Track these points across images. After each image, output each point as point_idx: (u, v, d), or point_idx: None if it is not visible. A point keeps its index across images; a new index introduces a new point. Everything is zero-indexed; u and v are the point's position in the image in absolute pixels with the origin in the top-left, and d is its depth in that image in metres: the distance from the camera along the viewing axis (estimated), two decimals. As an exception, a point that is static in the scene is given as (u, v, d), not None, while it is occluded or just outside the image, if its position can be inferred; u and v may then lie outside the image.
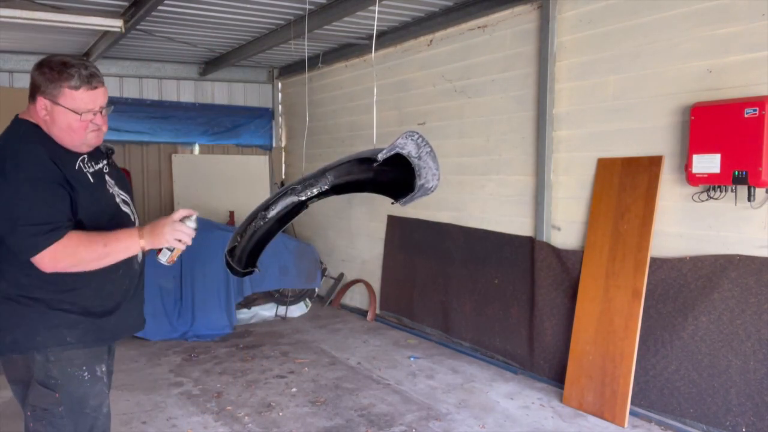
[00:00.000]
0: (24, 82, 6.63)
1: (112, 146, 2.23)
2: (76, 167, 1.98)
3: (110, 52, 6.36)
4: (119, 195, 2.11)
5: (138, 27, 5.22)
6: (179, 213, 1.99)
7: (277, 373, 4.73)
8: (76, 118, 1.93)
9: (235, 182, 7.90)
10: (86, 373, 2.03)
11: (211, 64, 7.31)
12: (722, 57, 3.44)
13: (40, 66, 1.95)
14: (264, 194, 7.67)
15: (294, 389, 4.38)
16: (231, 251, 2.18)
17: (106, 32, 5.49)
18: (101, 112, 1.99)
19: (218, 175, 7.88)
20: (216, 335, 5.73)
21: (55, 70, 1.91)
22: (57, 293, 1.96)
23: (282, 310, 6.55)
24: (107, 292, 2.05)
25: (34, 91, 1.95)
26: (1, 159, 1.87)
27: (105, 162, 2.15)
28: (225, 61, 6.92)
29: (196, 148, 7.89)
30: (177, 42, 6.11)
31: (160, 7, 4.65)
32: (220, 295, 5.88)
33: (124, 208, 2.11)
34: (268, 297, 6.58)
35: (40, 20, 4.60)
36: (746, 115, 3.19)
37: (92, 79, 1.94)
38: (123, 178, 2.19)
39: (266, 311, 6.50)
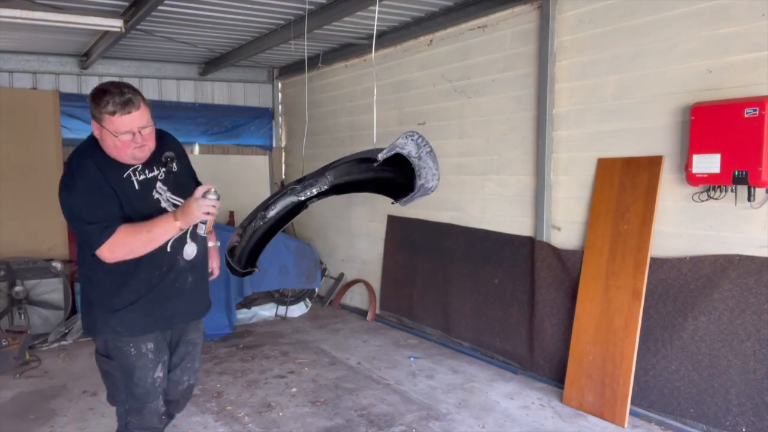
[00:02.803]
0: (24, 82, 6.66)
1: (171, 154, 2.47)
2: (125, 176, 2.33)
3: (110, 52, 6.35)
4: (170, 200, 2.44)
5: (138, 27, 5.22)
6: (200, 190, 2.25)
7: (277, 373, 4.73)
8: (117, 139, 2.23)
9: (235, 182, 7.89)
10: (133, 350, 2.46)
11: (211, 64, 7.31)
12: (722, 57, 3.44)
13: (90, 93, 2.30)
14: (264, 194, 7.66)
15: (294, 389, 4.38)
16: (231, 251, 2.19)
17: (106, 32, 5.49)
18: (140, 132, 2.24)
19: (218, 175, 7.87)
20: (216, 335, 5.72)
21: (96, 97, 2.22)
22: (110, 293, 2.40)
23: (282, 310, 6.55)
24: (148, 289, 2.41)
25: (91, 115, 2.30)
26: (68, 173, 2.32)
27: (163, 170, 2.45)
28: (225, 61, 6.92)
29: (196, 148, 7.89)
30: (177, 42, 6.10)
31: (160, 7, 4.65)
32: (220, 295, 5.87)
33: (171, 210, 2.41)
34: (268, 297, 6.59)
35: (40, 20, 4.59)
36: (746, 115, 3.19)
37: (127, 105, 2.19)
38: (182, 185, 2.47)
39: (266, 311, 6.51)
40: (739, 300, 3.36)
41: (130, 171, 2.36)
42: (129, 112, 2.20)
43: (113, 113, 2.19)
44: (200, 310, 2.73)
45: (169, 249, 2.43)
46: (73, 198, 2.29)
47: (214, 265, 2.83)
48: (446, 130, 5.40)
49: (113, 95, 2.19)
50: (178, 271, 2.51)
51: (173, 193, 2.46)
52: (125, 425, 2.59)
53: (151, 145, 2.34)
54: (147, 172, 2.42)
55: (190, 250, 2.52)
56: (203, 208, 2.22)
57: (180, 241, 2.47)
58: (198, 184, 2.68)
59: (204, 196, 2.23)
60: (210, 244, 2.78)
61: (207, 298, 2.77)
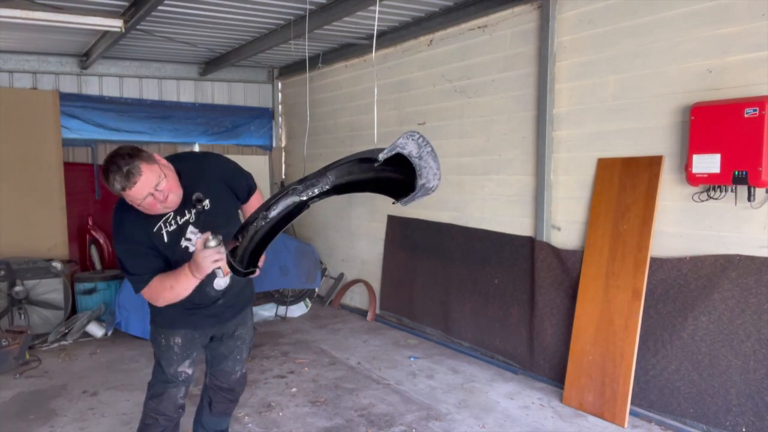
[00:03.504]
0: (24, 82, 6.67)
1: (199, 195, 2.49)
2: (155, 230, 2.45)
3: (110, 52, 6.36)
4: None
5: (138, 27, 5.22)
6: (198, 243, 2.30)
7: (277, 373, 4.73)
8: (141, 205, 2.32)
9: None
10: (162, 341, 2.71)
11: (211, 64, 7.31)
12: (722, 57, 3.44)
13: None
14: (264, 194, 7.66)
15: (294, 389, 4.38)
16: (233, 251, 2.18)
17: (106, 32, 5.49)
18: (157, 189, 2.28)
19: (218, 175, 7.87)
20: (216, 335, 5.72)
21: (105, 179, 2.26)
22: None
23: (282, 310, 6.55)
24: (187, 302, 2.52)
25: None
26: (112, 227, 2.50)
27: (192, 212, 2.51)
28: (225, 61, 6.92)
29: (196, 148, 7.88)
30: (177, 42, 6.11)
31: (160, 7, 4.65)
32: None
33: None
34: (268, 297, 6.59)
35: (40, 20, 4.59)
36: (746, 115, 3.19)
37: (129, 178, 2.21)
38: (217, 224, 2.48)
39: (266, 311, 6.51)
40: (739, 300, 3.36)
41: (161, 222, 2.46)
42: (135, 182, 2.23)
43: (123, 189, 2.25)
44: (235, 313, 2.83)
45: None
46: (116, 250, 2.51)
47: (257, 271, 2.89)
48: (446, 130, 5.40)
49: (115, 173, 2.21)
50: (209, 299, 2.65)
51: (203, 231, 2.47)
52: (144, 406, 2.79)
53: (176, 192, 2.38)
54: (179, 218, 2.50)
55: (222, 283, 2.64)
56: (209, 259, 2.25)
57: (210, 277, 2.51)
58: (251, 191, 2.82)
59: (205, 246, 2.25)
60: None
61: (244, 300, 2.87)
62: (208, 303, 2.66)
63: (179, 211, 2.49)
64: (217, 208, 2.56)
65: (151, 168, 2.27)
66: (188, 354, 2.73)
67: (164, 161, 2.41)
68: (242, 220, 2.72)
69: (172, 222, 2.47)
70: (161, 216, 2.45)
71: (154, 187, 2.28)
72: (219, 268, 2.27)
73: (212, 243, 2.24)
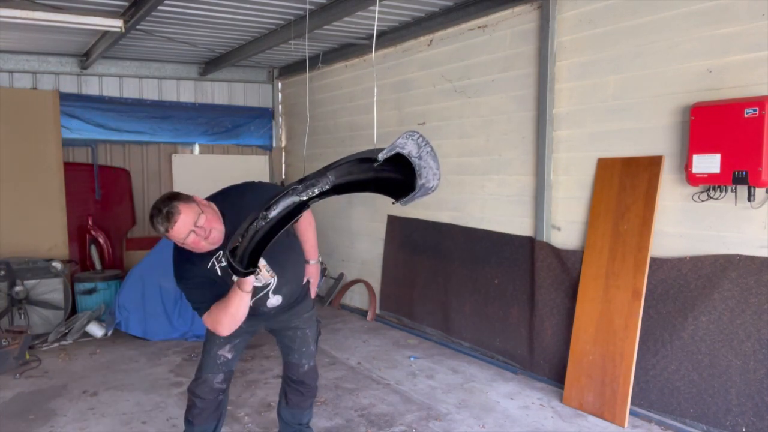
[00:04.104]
0: (24, 82, 6.67)
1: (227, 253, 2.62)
2: (209, 266, 2.61)
3: (110, 52, 6.36)
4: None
5: (138, 27, 5.22)
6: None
7: (277, 373, 4.73)
8: (186, 244, 2.48)
9: (235, 182, 7.88)
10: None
11: (211, 64, 7.31)
12: (722, 57, 3.44)
13: None
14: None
15: (294, 389, 4.38)
16: (233, 251, 2.18)
17: (106, 32, 5.49)
18: (195, 230, 2.43)
19: (218, 175, 7.87)
20: (216, 335, 5.72)
21: (151, 224, 2.45)
22: None
23: (282, 310, 6.54)
24: None
25: None
26: (173, 264, 2.69)
27: None
28: (225, 61, 6.92)
29: (196, 148, 7.89)
30: (177, 42, 6.11)
31: (160, 7, 4.65)
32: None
33: (257, 282, 2.62)
34: (268, 297, 6.58)
35: (40, 20, 4.59)
36: (746, 115, 3.19)
37: (169, 218, 2.39)
38: (269, 249, 2.54)
39: (266, 311, 6.50)
40: (739, 300, 3.36)
41: (213, 259, 2.62)
42: (175, 221, 2.40)
43: (167, 230, 2.42)
44: (287, 313, 2.98)
45: (252, 304, 2.68)
46: (178, 285, 2.71)
47: (312, 281, 3.12)
48: (446, 130, 5.40)
49: (157, 216, 2.42)
50: (263, 314, 2.86)
51: None
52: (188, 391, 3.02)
53: (217, 227, 2.51)
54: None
55: (274, 301, 2.80)
56: (248, 280, 2.45)
57: (262, 299, 2.76)
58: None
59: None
60: (312, 261, 3.08)
61: (296, 300, 2.99)
62: (263, 316, 2.88)
63: (225, 249, 2.59)
64: None
65: (189, 206, 2.44)
66: (231, 338, 2.89)
67: (203, 201, 2.57)
68: (296, 235, 2.99)
69: (222, 258, 2.61)
70: (212, 253, 2.60)
71: (194, 224, 2.43)
72: (258, 280, 2.46)
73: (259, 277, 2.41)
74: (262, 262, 2.42)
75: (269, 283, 2.72)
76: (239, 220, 2.33)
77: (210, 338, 2.95)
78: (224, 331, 2.58)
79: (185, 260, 2.61)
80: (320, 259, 3.20)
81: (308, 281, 3.11)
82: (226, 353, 2.93)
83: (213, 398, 2.94)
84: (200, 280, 2.61)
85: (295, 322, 3.04)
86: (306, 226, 3.05)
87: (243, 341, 3.01)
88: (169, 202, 2.41)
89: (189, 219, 2.42)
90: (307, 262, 3.08)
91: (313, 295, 3.18)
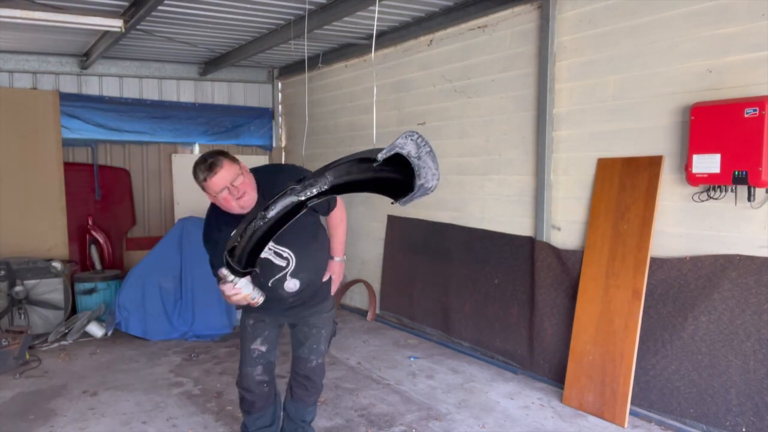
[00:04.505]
0: (24, 82, 6.67)
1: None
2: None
3: (110, 52, 6.36)
4: (272, 248, 2.74)
5: (138, 27, 5.22)
6: (220, 273, 2.48)
7: (277, 373, 4.72)
8: (218, 198, 2.61)
9: (235, 182, 7.88)
10: (243, 322, 3.09)
11: (211, 64, 7.31)
12: (722, 57, 3.43)
13: None
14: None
15: (294, 389, 4.38)
16: (231, 251, 2.19)
17: (106, 32, 5.49)
18: (233, 185, 2.57)
19: (218, 175, 7.87)
20: (216, 335, 5.72)
21: (193, 174, 2.61)
22: None
23: (282, 310, 6.54)
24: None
25: None
26: (204, 223, 2.85)
27: None
28: (225, 61, 6.92)
29: (196, 148, 7.89)
30: (177, 42, 6.11)
31: (160, 7, 4.65)
32: (220, 295, 5.87)
33: (276, 260, 2.79)
34: (268, 297, 6.58)
35: (40, 20, 4.59)
36: (746, 115, 3.19)
37: (212, 168, 2.55)
38: (285, 239, 2.65)
39: (266, 311, 6.49)
40: (739, 300, 3.36)
41: None
42: (216, 173, 2.54)
43: (204, 179, 2.57)
44: (308, 308, 3.05)
45: (270, 285, 2.80)
46: (204, 244, 2.85)
47: (333, 277, 3.14)
48: (446, 130, 5.40)
49: (200, 165, 2.59)
50: (282, 298, 2.90)
51: (277, 243, 2.73)
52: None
53: (250, 193, 2.63)
54: None
55: (291, 284, 2.85)
56: (225, 293, 2.52)
57: (280, 281, 2.82)
58: (330, 205, 3.04)
59: (222, 280, 2.49)
60: (336, 258, 3.12)
61: (318, 299, 3.06)
62: (280, 301, 2.89)
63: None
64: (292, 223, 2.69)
65: (232, 165, 2.58)
66: (259, 333, 3.04)
67: (246, 167, 2.70)
68: (325, 228, 3.05)
69: None
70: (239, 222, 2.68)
71: (230, 182, 2.56)
72: (251, 296, 2.52)
73: (228, 278, 2.40)
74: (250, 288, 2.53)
75: (286, 266, 2.78)
76: (272, 193, 2.41)
77: (242, 334, 3.09)
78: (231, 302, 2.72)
79: (215, 227, 2.77)
80: (345, 258, 3.21)
81: (330, 278, 3.12)
82: (259, 347, 3.05)
83: (259, 390, 3.09)
84: (224, 245, 2.67)
85: (313, 320, 3.09)
86: (337, 221, 3.13)
87: (272, 334, 3.09)
88: (215, 155, 2.58)
89: (228, 175, 2.55)
90: (331, 258, 3.11)
91: (333, 292, 3.19)
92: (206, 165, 2.57)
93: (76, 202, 6.71)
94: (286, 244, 2.77)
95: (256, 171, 2.80)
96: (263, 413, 3.19)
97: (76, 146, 7.02)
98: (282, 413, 3.35)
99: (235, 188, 2.59)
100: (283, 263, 2.82)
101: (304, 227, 2.79)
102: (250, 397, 3.11)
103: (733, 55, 3.39)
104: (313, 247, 2.95)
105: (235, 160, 2.63)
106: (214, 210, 2.77)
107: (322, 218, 3.05)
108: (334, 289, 3.18)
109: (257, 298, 2.57)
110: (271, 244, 2.68)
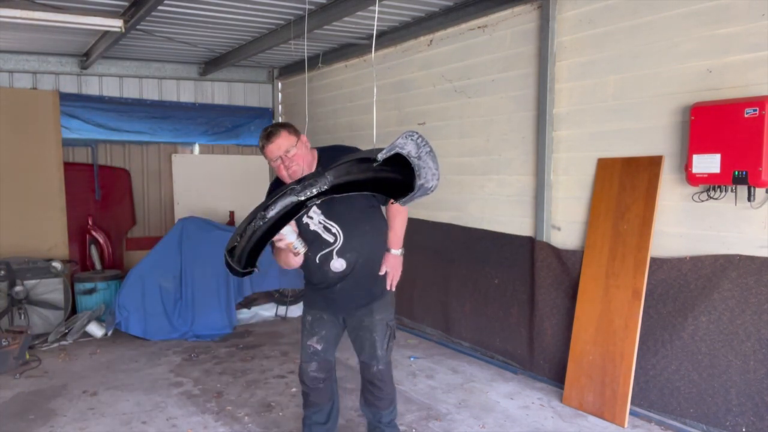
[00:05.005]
0: (24, 82, 6.67)
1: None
2: None
3: (110, 52, 6.36)
4: (323, 222, 2.84)
5: (138, 27, 5.22)
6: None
7: (277, 373, 4.73)
8: (273, 165, 2.80)
9: (235, 182, 7.90)
10: (303, 317, 3.19)
11: (211, 64, 7.31)
12: (722, 57, 3.43)
13: None
14: (264, 194, 7.67)
15: (294, 389, 4.38)
16: (231, 251, 2.19)
17: (106, 32, 5.49)
18: (286, 155, 2.72)
19: (218, 175, 7.88)
20: (216, 335, 5.73)
21: (259, 142, 2.80)
22: (305, 278, 3.12)
23: (282, 310, 6.55)
24: (313, 278, 3.01)
25: None
26: None
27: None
28: (225, 61, 6.92)
29: (196, 148, 7.89)
30: (177, 42, 6.11)
31: (160, 7, 4.65)
32: (220, 295, 5.88)
33: (324, 234, 2.84)
34: (268, 297, 6.59)
35: (40, 20, 4.59)
36: (746, 115, 3.18)
37: (270, 137, 2.73)
38: (333, 208, 2.79)
39: (266, 311, 6.50)
40: (739, 300, 3.36)
41: None
42: (271, 142, 2.72)
43: (263, 147, 2.75)
44: (359, 306, 3.04)
45: (317, 261, 2.87)
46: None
47: (390, 272, 3.08)
48: (446, 130, 5.40)
49: (262, 133, 2.78)
50: (329, 279, 2.92)
51: (327, 217, 2.83)
52: None
53: (300, 166, 2.75)
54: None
55: (338, 264, 2.87)
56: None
57: (327, 257, 2.86)
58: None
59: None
60: (393, 251, 3.05)
61: (369, 296, 3.03)
62: (328, 283, 2.93)
63: None
64: (341, 200, 2.71)
65: (290, 137, 2.74)
66: (317, 330, 3.09)
67: (308, 143, 2.86)
68: (385, 217, 3.02)
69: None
70: None
71: (284, 152, 2.71)
72: (295, 240, 2.60)
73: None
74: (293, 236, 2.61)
75: (334, 242, 2.83)
76: (332, 160, 2.48)
77: (302, 330, 3.16)
78: (280, 265, 2.89)
79: (274, 187, 2.90)
80: (403, 251, 3.10)
81: (385, 273, 3.05)
82: (314, 344, 3.09)
83: (313, 386, 3.14)
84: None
85: (367, 322, 3.05)
86: (395, 212, 3.03)
87: (330, 334, 3.12)
88: (277, 126, 2.77)
89: (283, 145, 2.71)
90: (387, 250, 3.04)
91: (392, 287, 3.12)
92: (266, 133, 2.75)
93: (76, 202, 6.71)
94: (335, 218, 2.82)
95: (323, 150, 2.92)
96: (318, 409, 3.22)
97: (76, 146, 7.02)
98: (337, 413, 3.37)
99: (287, 158, 2.72)
100: (330, 238, 2.84)
101: (351, 204, 2.81)
102: (305, 389, 3.19)
103: (733, 55, 3.39)
104: (364, 229, 2.91)
105: (294, 133, 2.78)
106: (277, 180, 2.94)
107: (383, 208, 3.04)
108: (390, 284, 3.09)
109: (299, 248, 2.63)
110: (321, 217, 2.81)
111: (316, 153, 2.89)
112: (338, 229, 2.83)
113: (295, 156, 2.74)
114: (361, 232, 2.89)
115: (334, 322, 3.12)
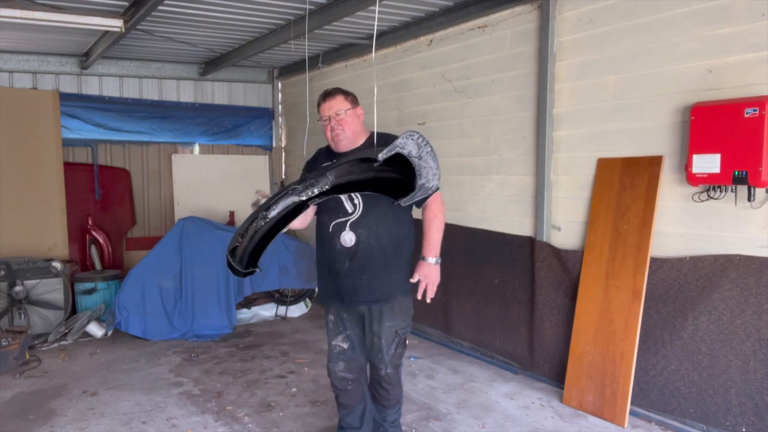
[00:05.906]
0: (24, 82, 6.67)
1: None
2: (324, 165, 2.75)
3: (110, 52, 6.36)
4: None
5: (138, 27, 5.22)
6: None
7: (277, 373, 4.73)
8: (321, 123, 2.92)
9: (235, 182, 7.90)
10: (325, 318, 3.19)
11: (211, 64, 7.31)
12: (722, 57, 3.44)
13: None
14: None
15: (294, 389, 4.38)
16: (232, 251, 2.19)
17: (106, 32, 5.49)
18: (335, 117, 2.85)
19: (218, 175, 7.88)
20: (216, 335, 5.73)
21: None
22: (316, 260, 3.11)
23: (282, 310, 6.55)
24: (321, 249, 2.98)
25: None
26: None
27: None
28: (225, 61, 6.92)
29: (196, 148, 7.89)
30: (177, 42, 6.11)
31: (160, 7, 4.65)
32: (220, 295, 5.88)
33: (345, 203, 2.84)
34: (268, 297, 6.59)
35: (40, 20, 4.59)
36: (746, 115, 3.19)
37: (327, 96, 2.90)
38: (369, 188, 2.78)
39: (266, 311, 6.51)
40: (739, 300, 3.36)
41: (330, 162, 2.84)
42: (327, 100, 2.87)
43: (319, 104, 2.91)
44: (369, 298, 2.95)
45: (330, 230, 2.87)
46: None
47: (423, 281, 3.05)
48: (446, 130, 5.40)
49: (322, 92, 2.93)
50: (337, 253, 2.88)
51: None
52: None
53: (345, 132, 2.86)
54: None
55: (347, 238, 2.83)
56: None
57: (340, 227, 2.84)
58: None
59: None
60: (430, 259, 3.00)
61: (379, 287, 2.94)
62: (335, 258, 2.88)
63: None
64: None
65: (344, 101, 2.89)
66: (340, 330, 3.11)
67: (362, 114, 3.00)
68: (408, 219, 3.05)
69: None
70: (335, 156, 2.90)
71: (335, 112, 2.85)
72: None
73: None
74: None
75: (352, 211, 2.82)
76: (382, 147, 2.54)
77: (327, 330, 3.19)
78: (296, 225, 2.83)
79: (317, 153, 3.10)
80: (439, 260, 3.04)
81: (405, 275, 3.03)
82: (340, 343, 3.11)
83: (342, 386, 3.16)
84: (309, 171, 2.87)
85: (375, 326, 3.02)
86: (430, 218, 3.02)
87: (354, 333, 3.10)
88: (337, 88, 2.93)
89: (336, 106, 2.86)
90: (423, 258, 3.02)
91: (427, 298, 3.07)
92: (325, 93, 2.91)
93: (76, 202, 6.71)
94: (363, 195, 2.83)
95: (380, 134, 2.98)
96: (350, 411, 3.23)
97: (76, 146, 7.02)
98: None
99: (335, 120, 2.85)
100: (350, 208, 2.85)
101: (381, 198, 2.81)
102: (335, 390, 3.21)
103: (733, 55, 3.39)
104: (385, 212, 2.87)
105: (351, 101, 2.92)
106: (320, 151, 3.07)
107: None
108: (421, 294, 3.05)
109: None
110: None
111: (369, 133, 3.00)
112: (360, 201, 2.84)
113: (342, 121, 2.85)
114: (380, 213, 2.87)
115: (356, 321, 3.09)
